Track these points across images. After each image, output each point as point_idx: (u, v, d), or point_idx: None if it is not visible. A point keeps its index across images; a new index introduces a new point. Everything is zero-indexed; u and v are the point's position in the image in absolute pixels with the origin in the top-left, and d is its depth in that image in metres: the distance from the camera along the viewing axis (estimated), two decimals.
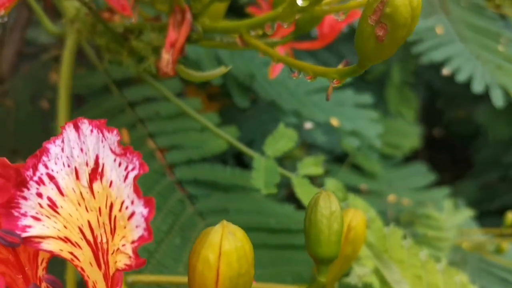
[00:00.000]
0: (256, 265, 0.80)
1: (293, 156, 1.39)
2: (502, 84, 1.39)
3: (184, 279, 0.57)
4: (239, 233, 0.30)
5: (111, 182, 0.27)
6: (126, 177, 0.26)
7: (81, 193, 0.29)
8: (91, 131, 0.27)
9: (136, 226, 0.26)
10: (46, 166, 0.28)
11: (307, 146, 1.59)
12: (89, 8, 0.61)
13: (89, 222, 0.29)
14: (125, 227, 0.27)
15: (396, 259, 0.70)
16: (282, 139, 0.76)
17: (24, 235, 0.28)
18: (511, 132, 2.76)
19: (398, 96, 2.23)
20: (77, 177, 0.28)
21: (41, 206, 0.28)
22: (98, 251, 0.30)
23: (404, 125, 1.95)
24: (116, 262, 0.28)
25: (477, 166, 3.00)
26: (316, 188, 0.71)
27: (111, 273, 0.30)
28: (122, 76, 0.82)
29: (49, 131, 1.15)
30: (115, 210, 0.28)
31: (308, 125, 0.95)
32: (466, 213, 1.39)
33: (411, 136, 1.88)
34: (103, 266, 0.30)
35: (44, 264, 0.31)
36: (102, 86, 0.80)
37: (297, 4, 0.38)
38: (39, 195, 0.28)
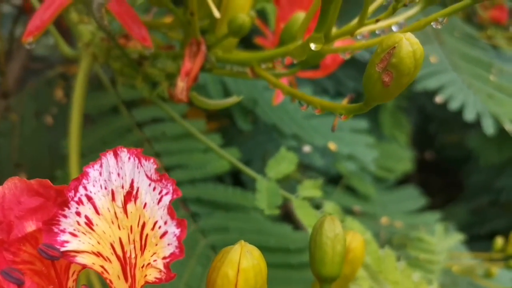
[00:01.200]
0: None
1: (290, 177, 1.42)
2: (493, 113, 1.45)
3: None
4: (255, 252, 0.33)
5: (145, 204, 0.30)
6: (160, 200, 0.30)
7: (115, 212, 0.32)
8: (129, 158, 0.31)
9: (168, 244, 0.29)
10: (85, 188, 0.31)
11: (303, 167, 1.63)
12: (108, 33, 0.65)
13: (120, 239, 0.32)
14: (156, 245, 0.30)
15: (391, 280, 0.73)
16: (283, 162, 0.79)
17: (62, 249, 0.31)
18: (502, 157, 2.81)
19: (391, 121, 2.28)
20: (113, 199, 0.32)
21: (78, 223, 0.31)
22: (126, 265, 0.33)
23: (397, 149, 2.00)
24: (146, 275, 0.31)
25: (468, 190, 3.05)
26: (315, 210, 0.75)
27: (137, 286, 0.33)
28: (130, 97, 0.86)
29: (53, 147, 1.18)
30: (147, 229, 0.31)
31: (306, 148, 0.99)
32: (457, 237, 1.42)
33: (404, 160, 1.93)
34: (130, 279, 0.33)
35: (74, 276, 0.34)
36: (112, 106, 0.83)
37: (310, 47, 0.42)
38: (78, 214, 0.31)
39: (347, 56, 0.47)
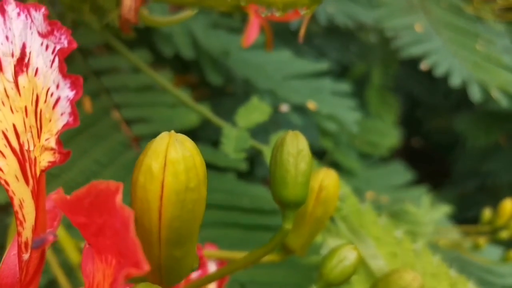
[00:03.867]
0: (226, 244, 0.76)
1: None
2: (479, 81, 1.40)
3: None
4: (188, 143, 0.26)
5: (37, 70, 0.23)
6: (53, 61, 0.23)
7: (5, 89, 0.25)
8: (18, 14, 0.24)
9: (62, 114, 0.22)
10: None
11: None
12: None
13: (14, 126, 0.25)
14: (50, 120, 0.23)
15: (371, 235, 0.67)
16: (255, 112, 0.73)
17: None
18: (490, 140, 2.80)
19: (378, 99, 2.23)
20: (1, 70, 0.25)
21: None
22: (25, 162, 0.26)
23: (383, 124, 1.95)
24: (40, 163, 0.24)
25: (455, 176, 3.03)
26: None
27: (41, 190, 0.26)
28: (88, 43, 0.78)
29: None
30: (41, 104, 0.24)
31: (284, 107, 0.93)
32: (443, 209, 1.38)
33: (390, 135, 1.88)
34: (31, 180, 0.26)
35: None
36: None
37: None
38: None
39: None
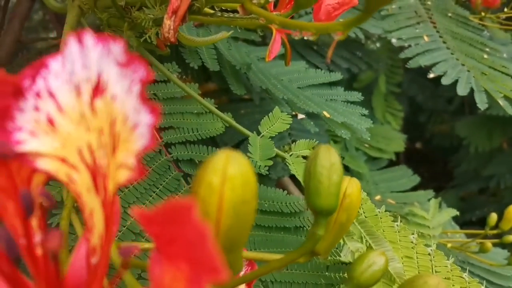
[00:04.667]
0: (249, 245, 0.79)
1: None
2: (486, 89, 1.43)
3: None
4: (243, 159, 0.29)
5: (115, 96, 0.26)
6: (130, 88, 0.26)
7: (82, 111, 0.28)
8: (95, 44, 0.27)
9: (141, 136, 0.25)
10: (45, 81, 0.27)
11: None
12: None
13: (89, 143, 0.28)
14: (128, 141, 0.26)
15: (388, 239, 0.69)
16: (277, 121, 0.76)
17: (18, 148, 0.27)
18: (492, 144, 2.82)
19: (384, 105, 2.26)
20: (79, 94, 0.27)
21: (38, 121, 0.27)
22: (97, 176, 0.29)
23: (389, 130, 1.98)
24: (115, 178, 0.27)
25: (458, 179, 3.05)
26: None
27: (109, 200, 0.29)
28: None
29: None
30: (118, 126, 0.27)
31: (301, 116, 0.96)
32: (451, 212, 1.40)
33: (396, 140, 1.91)
34: (102, 192, 0.29)
35: (38, 188, 0.29)
36: None
37: None
38: (37, 109, 0.27)
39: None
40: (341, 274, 0.75)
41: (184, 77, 1.00)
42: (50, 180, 0.29)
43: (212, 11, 0.61)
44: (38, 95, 0.27)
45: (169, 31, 0.54)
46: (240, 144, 1.28)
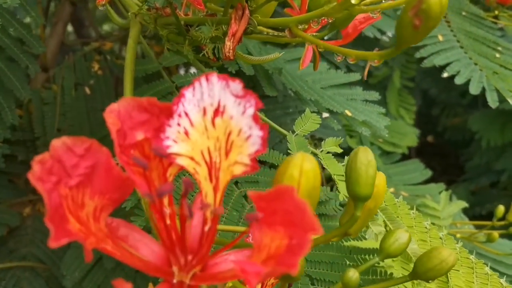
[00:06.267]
0: None
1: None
2: (497, 88, 1.52)
3: (239, 228, 0.69)
4: (313, 159, 0.42)
5: (231, 116, 0.40)
6: (244, 112, 0.39)
7: (205, 125, 0.41)
8: (218, 80, 0.40)
9: (253, 144, 0.38)
10: (183, 105, 0.40)
11: (316, 139, 1.72)
12: (168, 3, 0.73)
13: (208, 147, 0.41)
14: (241, 146, 0.39)
15: (406, 224, 0.82)
16: (308, 121, 0.89)
17: (167, 151, 0.40)
18: (505, 138, 2.88)
19: (398, 99, 2.35)
20: (204, 114, 0.41)
21: (179, 132, 0.41)
22: (212, 169, 0.42)
23: (403, 125, 2.08)
24: (232, 171, 0.40)
25: (469, 172, 3.13)
26: (338, 162, 0.84)
27: (220, 187, 0.42)
28: (170, 64, 0.95)
29: (92, 114, 1.28)
30: (233, 136, 0.40)
31: (325, 114, 1.08)
32: (461, 204, 1.52)
33: (409, 135, 2.01)
34: (214, 180, 0.42)
35: (171, 178, 0.43)
36: (156, 71, 0.92)
37: (350, 2, 0.51)
38: (179, 124, 0.40)
39: (376, 15, 0.55)
40: (362, 256, 0.88)
41: None
42: (180, 171, 0.43)
43: (261, 31, 0.74)
44: (179, 115, 0.40)
45: (229, 51, 0.67)
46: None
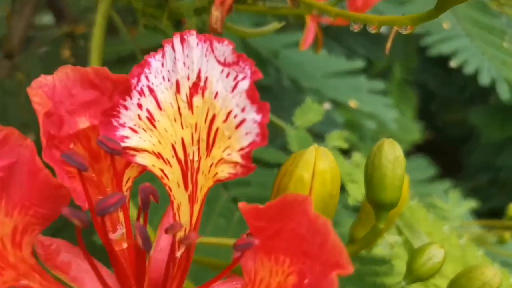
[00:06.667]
0: None
1: None
2: (507, 79, 1.42)
3: (227, 241, 0.57)
4: (331, 155, 0.30)
5: (216, 94, 0.27)
6: (235, 87, 0.26)
7: (179, 108, 0.29)
8: (197, 43, 0.27)
9: (247, 133, 0.26)
10: (147, 79, 0.28)
11: (314, 135, 1.61)
12: None
13: (182, 139, 0.29)
14: (230, 137, 0.27)
15: (425, 231, 0.70)
16: (310, 112, 0.77)
17: (122, 145, 0.28)
18: (504, 134, 2.81)
19: (398, 93, 2.26)
20: (177, 91, 0.28)
21: (139, 118, 0.28)
22: (187, 170, 0.30)
23: (404, 119, 1.98)
24: (216, 174, 0.28)
25: (468, 169, 3.05)
26: (345, 159, 0.72)
27: (198, 195, 0.30)
28: (148, 45, 0.82)
29: None
30: (218, 122, 0.27)
31: (326, 105, 0.96)
32: (469, 204, 1.41)
33: (411, 130, 1.91)
34: (190, 186, 0.30)
35: (129, 184, 0.31)
36: (130, 53, 0.79)
37: None
38: (139, 106, 0.28)
39: None
40: (373, 266, 0.76)
41: None
42: (142, 173, 0.30)
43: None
44: (141, 91, 0.28)
45: (216, 22, 0.54)
46: None
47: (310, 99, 0.78)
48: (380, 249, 0.66)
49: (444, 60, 1.45)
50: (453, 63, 1.44)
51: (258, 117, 0.25)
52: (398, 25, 0.41)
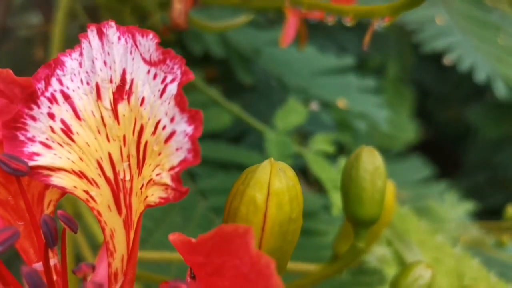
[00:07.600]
0: None
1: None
2: (503, 76, 1.38)
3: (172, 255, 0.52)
4: (290, 171, 0.25)
5: (142, 100, 0.22)
6: (163, 91, 0.21)
7: (102, 117, 0.23)
8: (119, 38, 0.22)
9: (177, 149, 0.21)
10: (60, 82, 0.23)
11: (303, 136, 1.55)
12: None
13: (110, 154, 0.24)
14: (160, 154, 0.22)
15: (416, 240, 0.66)
16: (292, 114, 0.72)
17: (31, 163, 0.22)
18: (501, 132, 2.78)
19: (393, 91, 2.22)
20: (98, 97, 0.23)
21: (52, 130, 0.23)
22: (119, 192, 0.25)
23: (399, 118, 1.93)
24: (146, 197, 0.22)
25: (465, 167, 3.01)
26: (331, 165, 0.67)
27: (133, 219, 0.25)
28: None
29: None
30: (146, 135, 0.22)
31: (314, 106, 0.91)
32: (467, 206, 1.37)
33: (407, 129, 1.86)
34: (124, 210, 0.25)
35: (51, 209, 0.25)
36: None
37: None
38: (51, 115, 0.23)
39: None
40: (363, 276, 0.71)
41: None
42: (64, 196, 0.25)
43: None
44: (52, 98, 0.22)
45: (179, 16, 0.49)
46: (241, 137, 1.22)
47: (293, 100, 0.73)
48: (368, 263, 0.61)
49: (439, 57, 1.41)
50: (446, 60, 1.40)
51: (189, 129, 0.20)
52: (378, 15, 0.35)
